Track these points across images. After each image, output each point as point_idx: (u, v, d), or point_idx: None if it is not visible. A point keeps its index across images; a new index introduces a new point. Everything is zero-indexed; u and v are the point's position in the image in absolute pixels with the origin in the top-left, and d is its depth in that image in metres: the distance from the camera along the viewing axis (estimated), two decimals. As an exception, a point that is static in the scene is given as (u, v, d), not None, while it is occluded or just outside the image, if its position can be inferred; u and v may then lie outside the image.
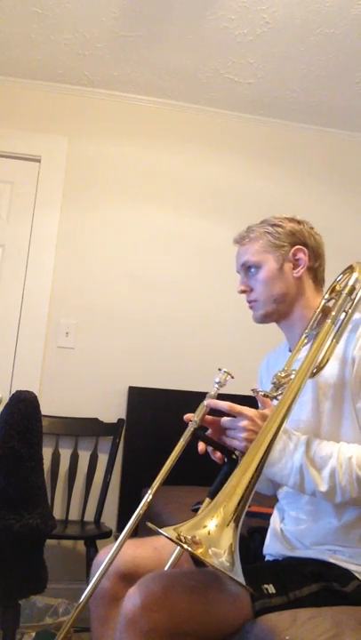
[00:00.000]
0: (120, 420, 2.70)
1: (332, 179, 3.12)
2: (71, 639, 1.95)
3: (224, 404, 1.15)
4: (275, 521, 1.39)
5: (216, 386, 1.21)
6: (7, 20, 2.44)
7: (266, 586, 1.14)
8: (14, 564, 1.59)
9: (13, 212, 2.84)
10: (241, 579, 0.92)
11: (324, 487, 1.10)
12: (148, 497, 1.12)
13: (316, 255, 1.38)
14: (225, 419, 1.17)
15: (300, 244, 1.36)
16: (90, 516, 2.60)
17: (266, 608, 1.10)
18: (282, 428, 1.07)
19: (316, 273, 1.38)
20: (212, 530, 0.93)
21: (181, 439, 1.17)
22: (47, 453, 2.49)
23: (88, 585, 1.17)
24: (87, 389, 2.75)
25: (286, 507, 1.35)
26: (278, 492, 1.41)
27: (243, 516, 0.96)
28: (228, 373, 1.22)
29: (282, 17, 2.31)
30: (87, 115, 2.94)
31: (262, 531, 1.46)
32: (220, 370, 1.23)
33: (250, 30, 2.40)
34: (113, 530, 2.51)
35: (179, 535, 0.92)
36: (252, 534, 1.53)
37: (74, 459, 2.62)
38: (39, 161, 2.86)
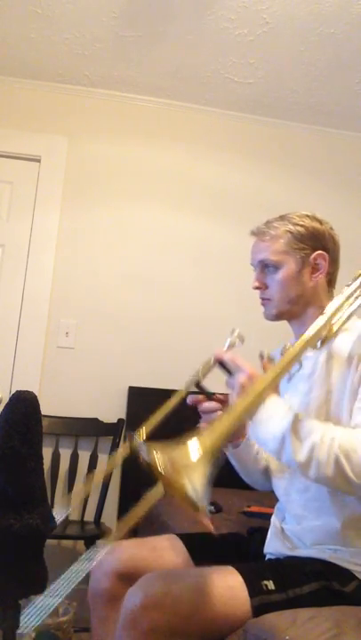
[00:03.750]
0: (120, 420, 2.70)
1: (333, 179, 3.12)
2: (71, 639, 1.95)
3: (227, 356, 1.19)
4: (275, 520, 1.39)
5: (227, 344, 1.24)
6: (7, 20, 2.44)
7: (265, 582, 1.14)
8: (14, 564, 1.59)
9: (13, 212, 2.84)
10: (202, 503, 0.93)
11: (301, 457, 1.09)
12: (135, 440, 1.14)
13: (334, 259, 1.38)
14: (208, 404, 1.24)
15: (322, 249, 1.34)
16: (90, 515, 2.60)
17: (265, 604, 1.11)
18: (274, 386, 1.13)
19: (331, 277, 1.39)
20: (187, 456, 0.97)
21: (183, 388, 1.18)
22: (47, 453, 2.49)
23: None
24: (87, 389, 2.75)
25: (287, 505, 1.35)
26: (278, 490, 1.41)
27: (219, 454, 1.01)
28: (240, 336, 1.23)
29: (282, 17, 2.31)
30: (87, 115, 2.94)
31: (262, 531, 1.46)
32: (233, 330, 1.25)
33: (250, 30, 2.40)
34: (113, 530, 2.51)
35: (157, 453, 0.95)
36: (252, 534, 1.53)
37: (74, 459, 2.62)
38: (39, 161, 2.86)
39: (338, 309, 1.18)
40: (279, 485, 1.38)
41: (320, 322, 1.16)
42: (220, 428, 1.02)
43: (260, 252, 1.37)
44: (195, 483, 0.93)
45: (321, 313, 1.33)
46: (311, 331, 1.15)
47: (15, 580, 1.59)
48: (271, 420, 1.14)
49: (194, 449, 0.97)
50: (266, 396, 1.11)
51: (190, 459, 0.96)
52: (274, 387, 1.17)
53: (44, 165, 2.86)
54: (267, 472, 1.44)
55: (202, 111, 3.02)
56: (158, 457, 0.94)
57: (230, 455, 1.43)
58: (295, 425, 1.12)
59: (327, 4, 2.23)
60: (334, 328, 1.17)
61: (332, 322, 1.18)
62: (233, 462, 1.44)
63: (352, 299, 1.21)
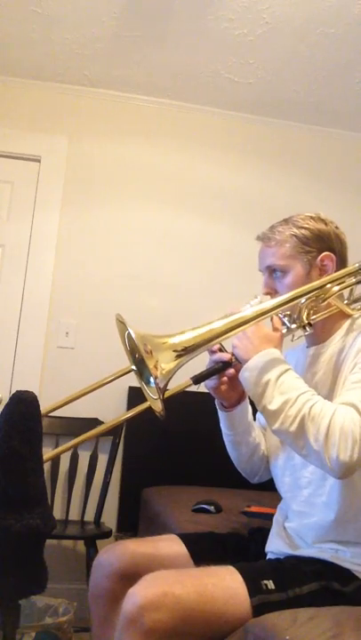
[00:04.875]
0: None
1: (333, 179, 3.12)
2: (71, 639, 1.95)
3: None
4: (278, 518, 1.40)
5: (247, 307, 1.28)
6: (7, 20, 2.44)
7: (265, 581, 1.14)
8: (14, 564, 1.59)
9: (13, 212, 2.84)
10: (156, 395, 1.13)
11: (272, 406, 1.14)
12: None
13: (342, 260, 1.37)
14: None
15: (328, 250, 1.34)
16: (90, 515, 2.60)
17: (265, 604, 1.11)
18: (261, 325, 1.22)
19: None
20: (162, 340, 1.16)
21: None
22: (47, 453, 2.49)
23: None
24: (87, 389, 2.75)
25: (290, 502, 1.35)
26: (281, 488, 1.41)
27: (191, 354, 1.18)
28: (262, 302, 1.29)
29: (282, 17, 2.31)
30: (87, 115, 2.94)
31: (263, 531, 1.46)
32: (256, 296, 1.32)
33: (250, 30, 2.40)
34: (113, 530, 2.51)
35: (139, 335, 1.16)
36: (252, 534, 1.54)
37: (74, 459, 2.62)
38: (39, 161, 2.86)
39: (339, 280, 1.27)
40: (283, 483, 1.38)
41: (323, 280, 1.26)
42: (199, 334, 1.17)
43: (267, 257, 1.37)
44: (160, 361, 1.15)
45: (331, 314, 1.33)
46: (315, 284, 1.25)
47: (15, 580, 1.59)
48: (260, 366, 1.18)
49: (170, 337, 1.17)
50: (251, 321, 1.19)
51: (163, 342, 1.16)
52: (267, 332, 1.25)
53: (44, 165, 2.86)
54: (256, 453, 1.46)
55: (202, 111, 3.02)
56: (136, 331, 1.16)
57: (224, 419, 1.45)
58: (280, 377, 1.16)
59: (327, 3, 2.23)
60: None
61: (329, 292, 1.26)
62: (224, 428, 1.46)
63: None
